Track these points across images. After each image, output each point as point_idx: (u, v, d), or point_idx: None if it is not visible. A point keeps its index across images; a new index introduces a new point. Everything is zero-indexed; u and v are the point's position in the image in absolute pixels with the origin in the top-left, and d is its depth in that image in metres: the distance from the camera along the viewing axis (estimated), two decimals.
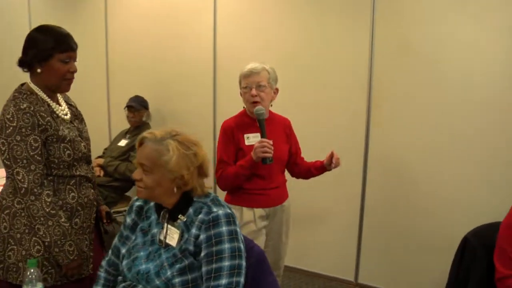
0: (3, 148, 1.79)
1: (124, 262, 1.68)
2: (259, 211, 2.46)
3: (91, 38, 4.26)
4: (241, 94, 2.44)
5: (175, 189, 1.64)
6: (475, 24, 2.79)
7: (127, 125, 3.96)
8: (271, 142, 2.29)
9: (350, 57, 3.19)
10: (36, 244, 1.87)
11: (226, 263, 1.56)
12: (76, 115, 2.08)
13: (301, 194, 3.10)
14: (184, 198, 1.67)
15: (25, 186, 1.80)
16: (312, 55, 3.32)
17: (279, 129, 2.51)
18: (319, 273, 3.55)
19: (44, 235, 1.83)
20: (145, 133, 1.65)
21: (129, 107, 3.84)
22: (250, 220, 2.44)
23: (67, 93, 2.06)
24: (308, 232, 3.52)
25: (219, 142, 2.47)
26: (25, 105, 1.80)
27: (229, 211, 1.64)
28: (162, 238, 1.65)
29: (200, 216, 1.60)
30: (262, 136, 2.33)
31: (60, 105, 1.98)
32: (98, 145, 3.60)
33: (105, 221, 2.21)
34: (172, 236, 1.63)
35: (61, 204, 1.91)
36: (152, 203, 1.75)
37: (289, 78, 3.34)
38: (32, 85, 1.89)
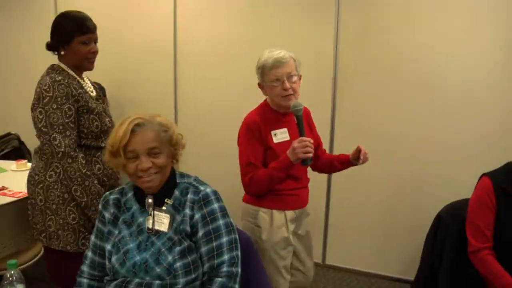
0: (40, 116, 1.97)
1: (114, 258, 1.61)
2: (290, 214, 2.23)
3: (43, 25, 4.01)
4: (261, 87, 2.18)
5: (172, 162, 1.66)
6: (439, 7, 2.88)
7: None
8: (311, 140, 2.04)
9: (316, 46, 3.21)
10: (71, 212, 2.05)
11: (225, 239, 1.61)
12: (100, 95, 2.24)
13: None
14: (169, 180, 1.66)
15: (62, 150, 1.97)
16: (277, 43, 3.29)
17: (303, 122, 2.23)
18: None
19: (81, 195, 2.00)
20: (135, 120, 1.58)
21: None
22: (281, 224, 2.19)
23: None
24: None
25: (242, 141, 2.17)
26: (60, 78, 2.00)
27: (213, 188, 1.68)
28: (150, 225, 1.61)
29: (189, 196, 1.63)
30: (300, 134, 2.06)
31: (85, 82, 2.16)
32: None
33: None
34: (161, 221, 1.61)
35: (89, 175, 2.04)
36: (130, 194, 1.69)
37: (252, 64, 3.35)
38: (62, 65, 2.09)
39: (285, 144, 2.13)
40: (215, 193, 1.65)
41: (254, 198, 2.21)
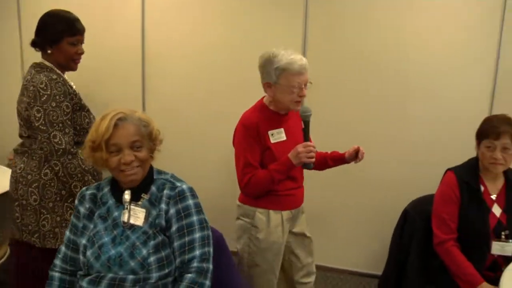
0: (38, 115, 1.99)
1: (89, 252, 1.62)
2: (287, 214, 2.23)
3: (4, 22, 3.89)
4: (269, 86, 2.10)
5: (151, 156, 1.69)
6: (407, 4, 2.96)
7: None
8: (315, 145, 2.08)
9: (285, 43, 3.13)
10: (68, 209, 2.09)
11: (197, 235, 1.63)
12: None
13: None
14: (148, 176, 1.69)
15: (63, 147, 2.00)
16: (246, 40, 3.31)
17: (298, 122, 2.20)
18: None
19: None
20: (117, 115, 1.60)
21: None
22: (278, 223, 2.20)
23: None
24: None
25: (239, 141, 2.14)
26: (55, 76, 2.02)
27: (189, 185, 1.71)
28: (125, 219, 1.63)
29: (166, 191, 1.66)
30: (305, 139, 2.08)
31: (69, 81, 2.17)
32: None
33: None
34: (137, 216, 1.63)
35: (80, 170, 2.06)
36: (106, 189, 1.71)
37: (221, 60, 3.34)
38: (47, 63, 2.10)
39: (282, 144, 2.14)
40: (191, 189, 1.68)
41: (251, 199, 2.19)
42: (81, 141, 2.07)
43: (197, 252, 1.60)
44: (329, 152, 2.38)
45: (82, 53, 2.14)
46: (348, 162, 2.30)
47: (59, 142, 1.99)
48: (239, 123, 2.17)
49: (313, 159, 2.05)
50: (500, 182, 2.21)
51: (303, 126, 2.09)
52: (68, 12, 2.14)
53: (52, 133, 1.99)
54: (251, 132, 2.09)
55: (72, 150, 2.02)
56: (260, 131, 2.10)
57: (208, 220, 1.69)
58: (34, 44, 2.11)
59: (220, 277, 1.79)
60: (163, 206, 1.63)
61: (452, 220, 2.15)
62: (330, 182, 3.21)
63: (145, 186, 1.67)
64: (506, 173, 2.21)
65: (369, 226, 3.21)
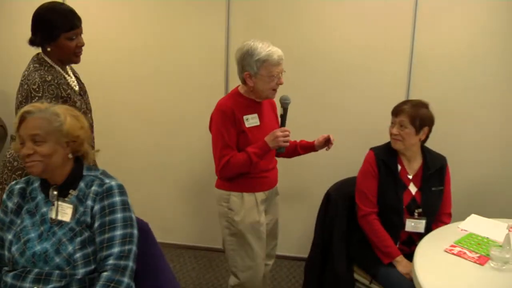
0: None
1: (14, 248, 1.58)
2: (261, 195, 2.34)
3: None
4: (249, 77, 2.21)
5: (70, 155, 1.64)
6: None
7: None
8: (290, 130, 2.24)
9: (208, 39, 3.26)
10: None
11: (119, 232, 1.60)
12: (81, 87, 2.20)
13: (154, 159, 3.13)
14: (74, 172, 1.65)
15: None
16: (170, 39, 3.31)
17: (269, 110, 2.41)
18: (187, 245, 3.63)
19: None
20: (25, 108, 1.60)
21: None
22: (252, 205, 2.31)
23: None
24: (170, 205, 3.56)
25: (217, 125, 2.24)
26: (50, 78, 1.97)
27: (120, 182, 1.68)
28: (53, 216, 1.60)
29: (94, 188, 1.63)
30: (282, 124, 2.26)
31: (70, 76, 2.13)
32: None
33: None
34: (64, 212, 1.60)
35: None
36: (36, 184, 1.68)
37: (144, 58, 3.32)
38: (47, 58, 2.03)
39: (256, 129, 2.27)
40: (120, 186, 1.66)
41: (226, 183, 2.31)
42: None
43: (116, 250, 1.56)
44: (297, 140, 2.52)
45: (83, 45, 2.07)
46: (316, 150, 2.49)
47: None
48: (216, 109, 2.28)
49: (288, 144, 2.23)
50: (418, 163, 2.37)
51: (281, 113, 2.27)
52: (61, 4, 2.06)
53: None
54: (227, 116, 2.21)
55: None
56: (236, 115, 2.22)
57: (133, 218, 1.66)
58: (32, 43, 2.04)
59: (146, 268, 1.79)
60: (89, 202, 1.61)
61: (373, 194, 2.32)
62: None
63: (73, 182, 1.65)
64: (424, 154, 2.38)
65: (294, 209, 3.32)
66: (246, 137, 2.24)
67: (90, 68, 3.37)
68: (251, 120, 2.27)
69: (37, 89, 1.95)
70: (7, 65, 3.44)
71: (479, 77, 2.97)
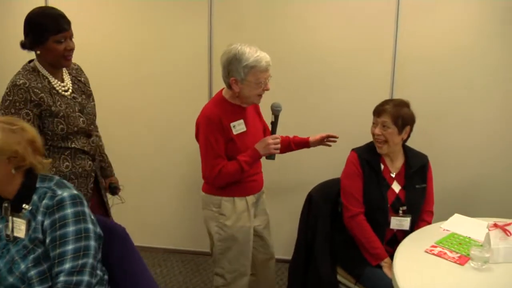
0: None
1: None
2: (251, 199, 2.35)
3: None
4: (235, 82, 2.16)
5: (13, 171, 1.54)
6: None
7: None
8: (280, 138, 2.26)
9: (190, 40, 3.24)
10: None
11: (70, 247, 1.51)
12: (84, 91, 2.21)
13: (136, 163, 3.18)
14: (25, 185, 1.57)
15: None
16: (152, 41, 3.29)
17: (253, 113, 2.38)
18: (174, 249, 3.60)
19: None
20: None
21: None
22: (243, 209, 2.31)
23: (83, 69, 2.28)
24: (156, 210, 3.54)
25: (205, 134, 2.19)
26: (21, 82, 1.96)
27: (75, 192, 1.59)
28: (8, 232, 1.54)
29: (45, 201, 1.54)
30: (273, 132, 2.26)
31: (62, 81, 2.12)
32: None
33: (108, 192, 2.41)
34: (19, 228, 1.53)
35: (54, 172, 2.03)
36: None
37: (125, 61, 3.30)
38: (37, 63, 2.06)
39: (243, 135, 2.25)
40: (73, 197, 1.56)
41: (215, 188, 2.29)
42: (56, 145, 2.06)
43: (67, 266, 1.48)
44: (291, 136, 2.53)
45: (72, 48, 2.06)
46: (309, 147, 2.51)
47: None
48: (202, 117, 2.23)
49: (278, 151, 2.24)
50: (400, 162, 2.37)
51: (272, 120, 2.26)
52: (52, 8, 2.06)
53: None
54: (215, 125, 2.17)
55: None
56: (224, 123, 2.18)
57: (89, 229, 1.57)
58: (23, 46, 2.06)
59: (124, 274, 1.77)
60: (39, 217, 1.53)
61: (359, 194, 2.31)
62: None
63: (26, 196, 1.57)
64: (406, 153, 2.38)
65: (278, 212, 3.28)
66: (234, 144, 2.22)
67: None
68: (238, 127, 2.24)
69: (8, 93, 1.97)
70: None
71: (463, 77, 2.96)
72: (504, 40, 2.88)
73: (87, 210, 1.59)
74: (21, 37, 2.05)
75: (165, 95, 3.33)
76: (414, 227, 2.31)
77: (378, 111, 2.29)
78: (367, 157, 2.33)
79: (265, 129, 2.47)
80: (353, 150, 2.40)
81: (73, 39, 2.07)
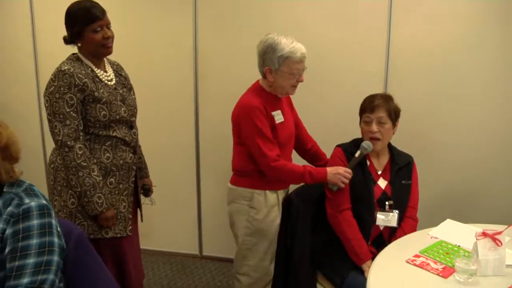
0: (47, 105, 2.02)
1: None
2: (281, 193, 2.32)
3: None
4: (269, 72, 2.16)
5: None
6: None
7: None
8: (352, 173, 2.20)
9: (175, 35, 3.16)
10: (71, 196, 2.07)
11: (31, 260, 1.41)
12: (124, 84, 2.25)
13: None
14: None
15: (60, 138, 2.00)
16: (137, 37, 3.21)
17: (286, 105, 2.35)
18: (163, 251, 3.52)
19: (75, 185, 2.02)
20: None
21: None
22: (274, 203, 2.27)
23: (122, 65, 2.34)
24: (149, 211, 3.44)
25: (251, 123, 2.14)
26: (66, 67, 2.00)
27: (44, 202, 1.48)
28: None
29: (10, 208, 1.44)
30: (350, 167, 2.21)
31: (105, 71, 2.16)
32: None
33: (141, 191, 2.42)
34: None
35: (95, 162, 2.06)
36: None
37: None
38: (80, 54, 2.10)
39: (282, 125, 2.23)
40: (41, 207, 1.46)
41: (247, 180, 2.26)
42: (97, 133, 2.08)
43: (25, 280, 1.38)
44: (324, 154, 2.53)
45: (109, 36, 2.08)
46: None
47: (58, 133, 2.00)
48: (244, 108, 2.18)
49: (343, 186, 2.17)
50: (385, 159, 2.29)
51: (356, 155, 2.21)
52: (86, 1, 2.07)
53: (54, 124, 2.00)
54: (262, 112, 2.15)
55: (69, 143, 1.99)
56: (269, 112, 2.18)
57: (55, 243, 1.47)
58: (66, 41, 2.10)
59: (83, 277, 1.68)
60: (1, 224, 1.43)
61: (347, 188, 2.21)
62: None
63: None
64: (391, 150, 2.30)
65: None
66: (276, 133, 2.20)
67: (46, 66, 3.30)
68: (277, 117, 2.22)
69: (54, 78, 2.00)
70: None
71: (458, 72, 2.78)
72: (500, 34, 2.69)
73: (54, 221, 1.49)
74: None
75: (150, 94, 3.24)
76: (401, 223, 2.22)
77: (371, 107, 2.19)
78: (352, 150, 2.25)
79: (298, 124, 2.47)
80: (338, 146, 2.33)
81: (110, 28, 2.10)
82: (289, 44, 2.12)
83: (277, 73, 2.15)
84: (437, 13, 2.74)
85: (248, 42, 2.98)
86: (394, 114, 2.20)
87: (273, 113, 2.20)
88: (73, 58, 2.09)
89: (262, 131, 2.14)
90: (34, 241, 1.42)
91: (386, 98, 2.23)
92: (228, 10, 3.04)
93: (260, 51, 2.18)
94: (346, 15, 2.88)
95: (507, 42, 2.69)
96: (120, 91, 2.19)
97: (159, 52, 3.19)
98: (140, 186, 2.40)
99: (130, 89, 2.30)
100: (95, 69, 2.11)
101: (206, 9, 3.06)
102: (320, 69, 2.94)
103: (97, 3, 2.08)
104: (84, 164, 2.01)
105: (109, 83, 2.15)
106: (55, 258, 1.46)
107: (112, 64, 2.26)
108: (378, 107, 2.17)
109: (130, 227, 2.20)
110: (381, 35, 2.82)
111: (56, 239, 1.48)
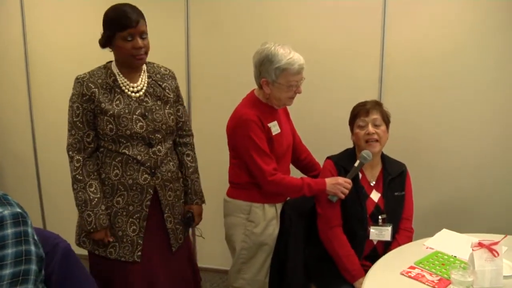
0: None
1: None
2: (280, 206, 2.26)
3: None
4: (266, 83, 2.10)
5: None
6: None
7: None
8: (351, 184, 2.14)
9: (168, 39, 3.12)
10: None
11: (8, 271, 1.35)
12: (159, 96, 2.06)
13: None
14: None
15: (66, 147, 1.98)
16: None
17: (283, 115, 2.31)
18: None
19: (74, 197, 1.97)
20: None
21: None
22: (273, 216, 2.21)
23: (172, 73, 2.20)
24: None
25: (246, 136, 2.09)
26: (82, 74, 1.96)
27: (18, 210, 1.42)
28: None
29: None
30: (350, 176, 2.14)
31: (135, 81, 2.01)
32: None
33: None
34: None
35: (103, 178, 1.99)
36: None
37: (98, 58, 3.13)
38: (113, 62, 2.02)
39: (278, 137, 2.18)
40: (15, 215, 1.40)
41: (245, 193, 2.20)
42: (107, 147, 1.98)
43: None
44: (317, 164, 2.46)
45: (140, 47, 1.92)
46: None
47: (67, 140, 1.98)
48: (239, 120, 2.12)
49: (343, 196, 2.10)
50: (377, 169, 2.24)
51: (355, 165, 2.13)
52: (124, 5, 1.94)
53: (68, 130, 1.99)
54: (257, 124, 2.09)
55: (70, 153, 1.97)
56: (265, 125, 2.12)
57: (32, 252, 1.41)
58: (100, 44, 1.99)
59: None
60: None
61: (338, 204, 2.16)
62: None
63: None
64: (383, 160, 2.25)
65: None
66: (272, 145, 2.14)
67: (37, 70, 3.34)
68: (273, 128, 2.16)
69: (73, 86, 1.97)
70: None
71: (453, 78, 2.74)
72: (496, 41, 2.65)
73: (30, 230, 1.43)
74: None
75: None
76: (396, 235, 2.18)
77: (366, 110, 2.16)
78: (344, 165, 2.19)
79: (294, 134, 2.41)
80: (328, 158, 2.26)
81: (146, 37, 1.96)
82: (286, 55, 2.05)
83: (274, 85, 2.09)
84: (432, 19, 2.71)
85: (240, 48, 2.98)
86: (387, 118, 2.19)
87: (270, 124, 2.14)
88: (102, 65, 2.02)
89: (259, 145, 2.08)
90: (10, 250, 1.36)
91: (377, 103, 2.22)
92: (221, 15, 3.00)
93: (256, 62, 2.12)
94: (339, 21, 2.84)
95: (504, 49, 2.65)
96: (149, 104, 2.02)
97: (150, 57, 3.06)
98: (184, 213, 2.22)
99: (166, 102, 2.08)
100: (120, 78, 1.99)
101: (199, 14, 3.03)
102: (313, 76, 2.89)
103: (137, 9, 1.94)
104: (79, 177, 1.94)
105: (133, 94, 2.00)
106: (33, 267, 1.41)
107: (156, 73, 2.11)
108: (373, 109, 2.15)
109: (140, 253, 2.03)
110: (375, 42, 2.78)
111: (33, 248, 1.42)
